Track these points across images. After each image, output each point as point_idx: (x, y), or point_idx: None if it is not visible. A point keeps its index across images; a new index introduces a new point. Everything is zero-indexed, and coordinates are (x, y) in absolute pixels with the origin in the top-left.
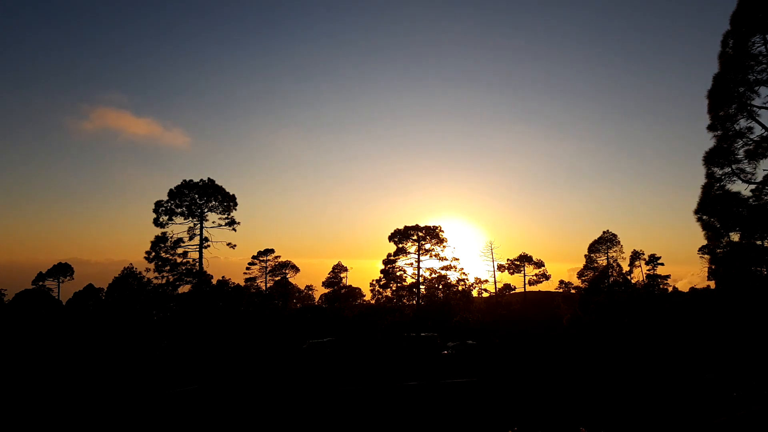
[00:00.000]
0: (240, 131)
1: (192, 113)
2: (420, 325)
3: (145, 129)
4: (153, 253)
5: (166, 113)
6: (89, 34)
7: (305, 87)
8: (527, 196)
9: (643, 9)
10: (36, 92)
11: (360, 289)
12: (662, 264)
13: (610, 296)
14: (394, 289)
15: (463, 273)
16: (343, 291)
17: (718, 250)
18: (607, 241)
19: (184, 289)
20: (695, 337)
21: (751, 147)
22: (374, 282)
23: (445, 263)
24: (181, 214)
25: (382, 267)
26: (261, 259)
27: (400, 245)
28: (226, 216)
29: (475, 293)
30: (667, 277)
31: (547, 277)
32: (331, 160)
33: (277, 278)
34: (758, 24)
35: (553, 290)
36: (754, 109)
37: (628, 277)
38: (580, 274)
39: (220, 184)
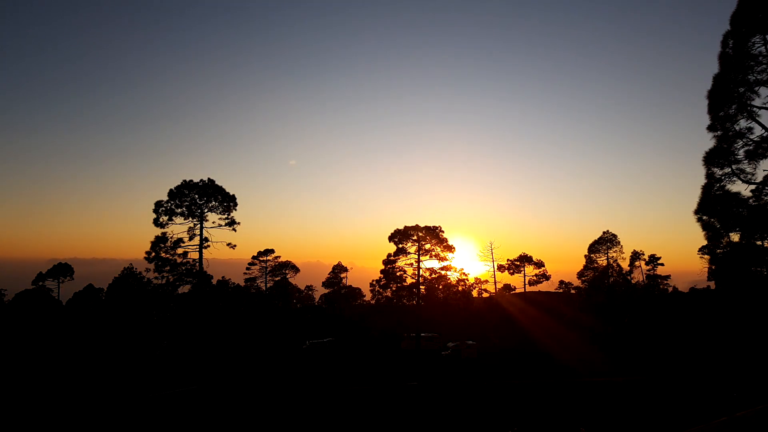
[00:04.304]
0: (240, 132)
1: (193, 113)
2: (420, 326)
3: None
4: (153, 254)
5: (166, 113)
6: (85, 34)
7: (306, 88)
8: (527, 196)
9: (643, 9)
10: (35, 93)
11: (360, 290)
12: (662, 264)
13: (610, 296)
14: (394, 289)
15: (463, 273)
16: (343, 291)
17: (718, 250)
18: (607, 241)
19: (184, 289)
20: (695, 337)
21: (751, 147)
22: (374, 282)
23: (445, 263)
24: (181, 214)
25: (382, 267)
26: (261, 259)
27: (400, 245)
28: (226, 216)
29: (475, 293)
30: (667, 277)
31: (547, 277)
32: (332, 161)
33: (277, 278)
34: (758, 24)
35: (553, 290)
36: (754, 109)
37: (628, 278)
38: (580, 274)
39: (220, 184)
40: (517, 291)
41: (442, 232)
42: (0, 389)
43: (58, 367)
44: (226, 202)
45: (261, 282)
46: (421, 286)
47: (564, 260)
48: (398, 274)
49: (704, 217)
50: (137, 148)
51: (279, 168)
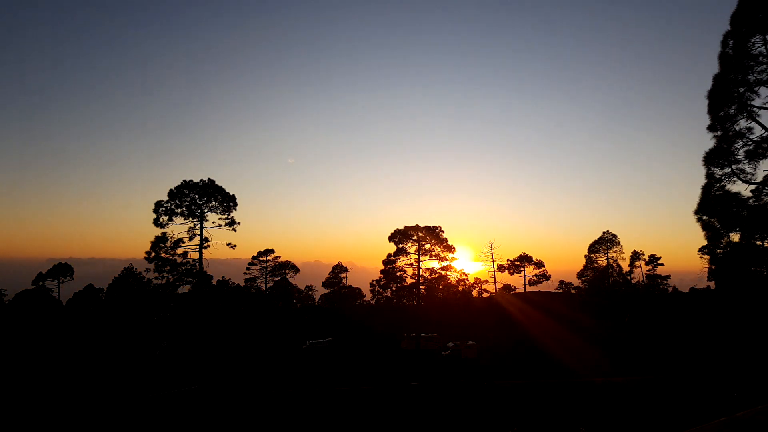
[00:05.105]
0: (240, 131)
1: (192, 112)
2: (420, 326)
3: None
4: (153, 254)
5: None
6: (82, 33)
7: (307, 88)
8: (527, 196)
9: (644, 10)
10: (33, 92)
11: (360, 290)
12: (662, 264)
13: (610, 296)
14: (394, 289)
15: (463, 273)
16: (343, 291)
17: (718, 250)
18: (607, 241)
19: (184, 289)
20: (695, 337)
21: (751, 147)
22: (374, 282)
23: (445, 263)
24: (181, 214)
25: (382, 267)
26: (261, 259)
27: (400, 245)
28: (226, 216)
29: (475, 293)
30: (667, 277)
31: (547, 278)
32: (332, 160)
33: (277, 278)
34: (758, 24)
35: (553, 290)
36: (754, 109)
37: (628, 278)
38: (580, 275)
39: (219, 184)
40: (517, 291)
41: (442, 232)
42: (0, 389)
43: (58, 367)
44: (226, 202)
45: (261, 282)
46: (421, 286)
47: (564, 260)
48: (398, 274)
49: (704, 217)
50: (137, 147)
51: (279, 168)
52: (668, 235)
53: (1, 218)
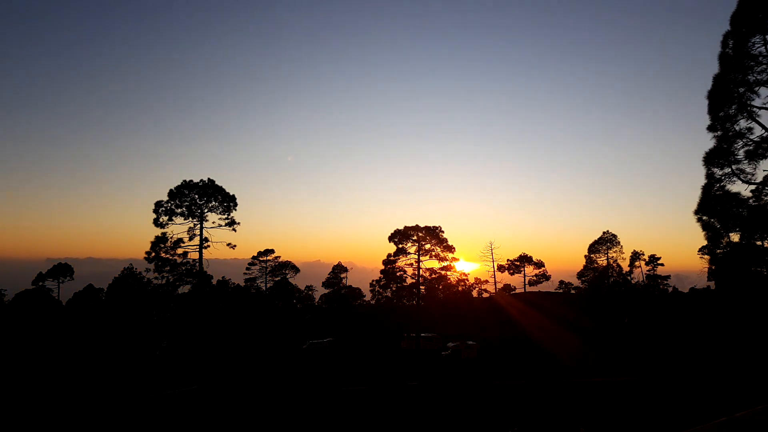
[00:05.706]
0: (240, 131)
1: (192, 112)
2: (420, 326)
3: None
4: (153, 254)
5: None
6: (83, 32)
7: (307, 89)
8: (527, 196)
9: (644, 10)
10: (32, 92)
11: (360, 290)
12: (662, 264)
13: (610, 296)
14: (394, 289)
15: (463, 273)
16: (343, 291)
17: (718, 250)
18: (607, 241)
19: (184, 289)
20: (695, 337)
21: (751, 147)
22: (374, 282)
23: (445, 263)
24: (181, 214)
25: (382, 267)
26: (261, 259)
27: (400, 245)
28: (226, 216)
29: (474, 293)
30: (667, 277)
31: (547, 278)
32: (332, 161)
33: (277, 278)
34: (758, 24)
35: (553, 290)
36: (754, 109)
37: (628, 278)
38: (580, 275)
39: (220, 184)
40: (517, 291)
41: (442, 232)
42: (0, 389)
43: (58, 367)
44: (226, 202)
45: (261, 282)
46: (421, 286)
47: (564, 260)
48: (398, 274)
49: (704, 217)
50: (137, 147)
51: (279, 168)
52: (668, 235)
53: (1, 218)
